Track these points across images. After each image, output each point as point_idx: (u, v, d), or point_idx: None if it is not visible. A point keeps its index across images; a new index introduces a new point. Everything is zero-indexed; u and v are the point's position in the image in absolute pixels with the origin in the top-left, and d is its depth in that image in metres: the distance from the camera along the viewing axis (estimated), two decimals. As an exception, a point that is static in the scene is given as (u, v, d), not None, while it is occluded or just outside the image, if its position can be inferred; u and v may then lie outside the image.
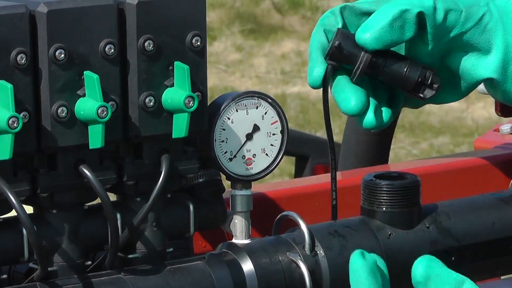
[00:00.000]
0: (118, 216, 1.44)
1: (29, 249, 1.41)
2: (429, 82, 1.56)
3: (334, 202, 1.63)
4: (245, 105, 1.53)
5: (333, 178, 1.62)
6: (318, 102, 7.64)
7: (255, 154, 1.54)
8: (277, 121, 1.55)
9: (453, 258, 1.59)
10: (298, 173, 3.05)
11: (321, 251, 1.52)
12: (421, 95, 1.58)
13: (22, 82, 1.37)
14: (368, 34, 1.54)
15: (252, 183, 1.56)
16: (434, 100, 1.61)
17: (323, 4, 8.89)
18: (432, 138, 7.11)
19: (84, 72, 1.40)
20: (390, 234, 1.56)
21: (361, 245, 1.53)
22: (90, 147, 1.40)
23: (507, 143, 1.98)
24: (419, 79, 1.56)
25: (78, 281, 1.42)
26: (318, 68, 1.57)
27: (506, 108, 1.72)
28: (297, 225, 1.52)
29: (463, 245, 1.59)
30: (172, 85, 1.45)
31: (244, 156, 1.53)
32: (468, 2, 1.58)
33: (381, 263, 1.44)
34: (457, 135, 7.11)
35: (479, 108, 7.40)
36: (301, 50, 8.53)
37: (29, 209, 1.40)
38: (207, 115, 1.49)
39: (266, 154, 1.55)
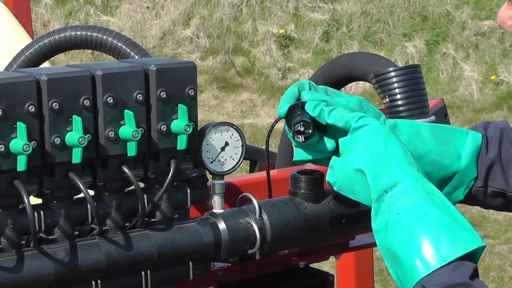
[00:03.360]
0: (145, 196, 1.42)
1: (91, 216, 1.39)
2: (303, 132, 1.45)
3: (269, 189, 1.62)
4: (220, 130, 1.51)
5: (268, 173, 1.61)
6: (262, 128, 7.64)
7: (226, 159, 1.52)
8: (239, 140, 1.54)
9: (343, 221, 1.57)
10: (251, 170, 3.03)
11: (265, 217, 1.50)
12: (294, 139, 1.47)
13: (86, 116, 1.35)
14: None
15: (224, 176, 1.54)
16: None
17: (265, 71, 8.90)
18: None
19: (125, 110, 1.38)
20: (306, 207, 1.54)
21: (289, 213, 1.52)
22: (128, 155, 1.38)
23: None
24: (294, 128, 1.46)
25: (121, 235, 1.40)
26: (284, 108, 1.50)
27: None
28: (251, 201, 1.51)
29: (350, 213, 1.57)
30: (177, 118, 1.43)
31: (220, 160, 1.52)
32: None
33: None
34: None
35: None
36: (252, 98, 8.53)
37: (91, 192, 1.38)
38: (197, 136, 1.47)
39: (233, 159, 1.53)
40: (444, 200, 1.30)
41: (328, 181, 1.43)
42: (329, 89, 1.51)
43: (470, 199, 1.56)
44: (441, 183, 1.50)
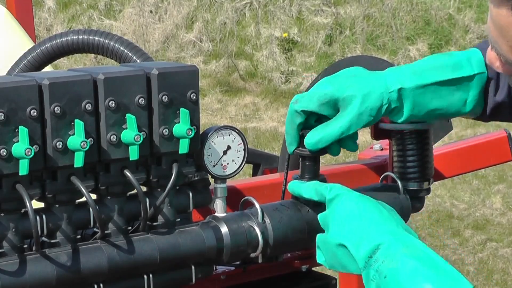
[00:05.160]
0: (147, 200, 1.42)
1: (93, 220, 1.39)
2: None
3: (283, 195, 1.62)
4: (222, 134, 1.52)
5: (285, 179, 1.61)
6: (265, 132, 7.64)
7: (228, 163, 1.52)
8: (241, 143, 1.53)
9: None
10: (254, 174, 3.02)
11: (268, 220, 1.50)
12: None
13: (89, 120, 1.35)
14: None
15: (227, 180, 1.54)
16: None
17: (269, 75, 8.89)
18: (332, 153, 7.11)
19: (126, 114, 1.38)
20: (308, 210, 1.54)
21: (291, 216, 1.52)
22: (130, 159, 1.38)
23: (377, 155, 1.97)
24: None
25: (123, 239, 1.40)
26: (293, 146, 1.55)
27: (377, 134, 1.71)
28: (253, 205, 1.51)
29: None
30: (179, 122, 1.43)
31: (222, 164, 1.52)
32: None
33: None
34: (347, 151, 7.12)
35: (359, 134, 7.40)
36: (255, 102, 8.52)
37: (93, 196, 1.38)
38: (199, 139, 1.47)
39: (235, 163, 1.53)
40: (425, 250, 1.31)
41: (318, 262, 1.44)
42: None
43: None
44: None
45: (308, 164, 1.55)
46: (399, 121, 1.54)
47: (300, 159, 1.56)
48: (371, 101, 1.49)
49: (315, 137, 1.50)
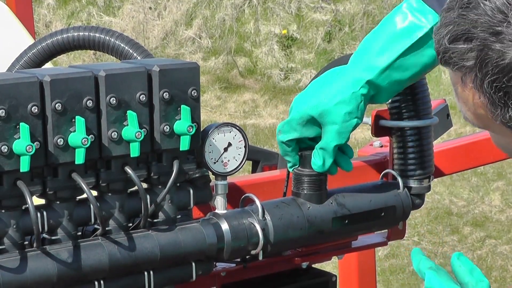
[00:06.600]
0: (148, 197, 1.42)
1: (94, 217, 1.39)
2: None
3: (285, 190, 1.62)
4: (223, 131, 1.51)
5: (286, 181, 1.62)
6: (264, 129, 7.64)
7: (229, 160, 1.52)
8: (241, 140, 1.53)
9: (346, 221, 1.57)
10: (253, 171, 3.02)
11: (268, 217, 1.50)
12: None
13: (90, 117, 1.35)
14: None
15: (227, 177, 1.54)
16: None
17: (268, 72, 8.89)
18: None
19: (127, 111, 1.38)
20: (309, 207, 1.54)
21: (292, 214, 1.52)
22: (131, 156, 1.38)
23: (377, 152, 1.97)
24: None
25: (124, 236, 1.40)
26: (292, 163, 1.59)
27: (377, 132, 1.71)
28: (254, 202, 1.51)
29: (352, 213, 1.58)
30: (180, 119, 1.43)
31: (223, 161, 1.52)
32: None
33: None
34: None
35: (359, 131, 7.41)
36: (254, 99, 8.52)
37: (94, 193, 1.38)
38: (200, 136, 1.47)
39: (236, 160, 1.53)
40: None
41: None
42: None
43: None
44: None
45: (308, 179, 1.56)
46: (383, 102, 1.59)
47: (297, 175, 1.57)
48: (346, 106, 1.51)
49: (319, 161, 1.55)
